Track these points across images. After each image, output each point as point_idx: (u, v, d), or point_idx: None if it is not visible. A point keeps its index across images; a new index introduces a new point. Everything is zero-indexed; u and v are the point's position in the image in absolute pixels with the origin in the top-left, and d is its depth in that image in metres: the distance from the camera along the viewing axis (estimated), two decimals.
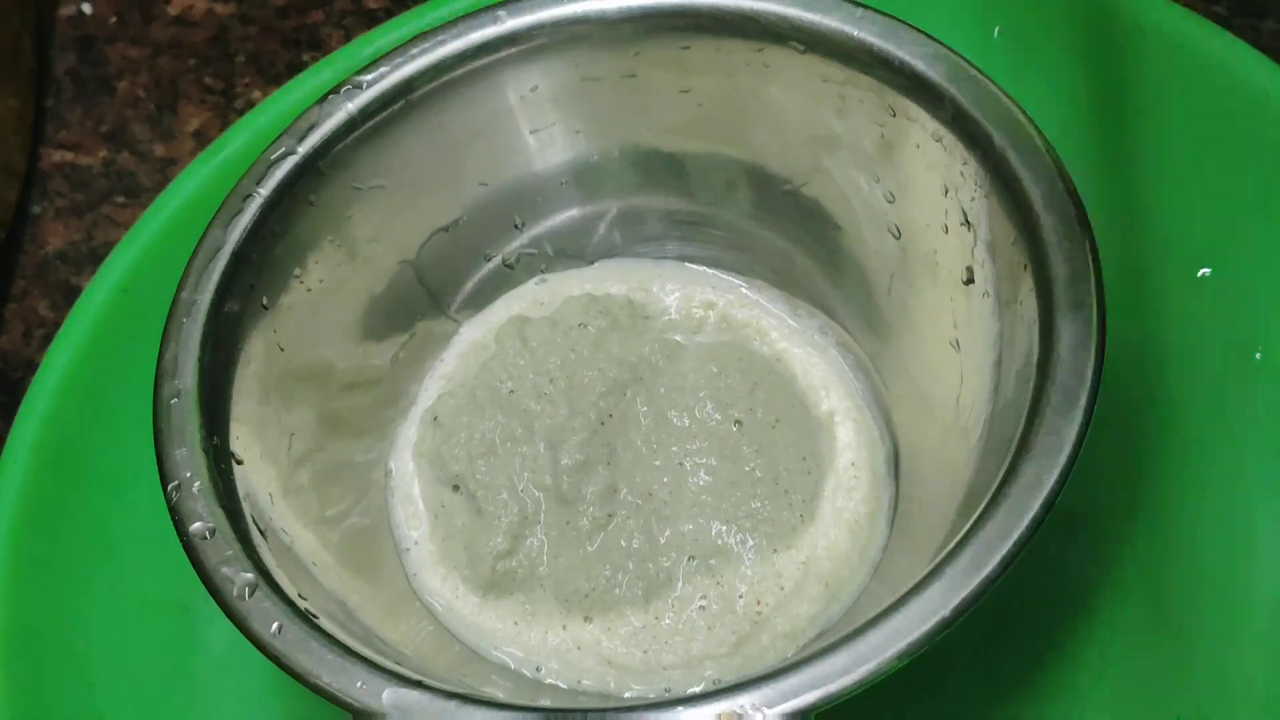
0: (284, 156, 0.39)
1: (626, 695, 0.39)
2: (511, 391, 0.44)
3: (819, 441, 0.43)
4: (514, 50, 0.41)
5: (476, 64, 0.41)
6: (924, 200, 0.40)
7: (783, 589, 0.40)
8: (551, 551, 0.41)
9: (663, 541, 0.41)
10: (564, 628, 0.40)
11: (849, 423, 0.43)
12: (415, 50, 0.40)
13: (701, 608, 0.39)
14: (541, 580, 0.41)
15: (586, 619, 0.40)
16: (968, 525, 0.31)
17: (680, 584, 0.40)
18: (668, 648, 0.39)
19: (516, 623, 0.40)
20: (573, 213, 0.46)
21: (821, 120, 0.41)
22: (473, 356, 0.46)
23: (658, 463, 0.42)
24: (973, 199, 0.37)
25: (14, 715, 0.39)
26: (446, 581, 0.41)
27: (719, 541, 0.40)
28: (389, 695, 0.31)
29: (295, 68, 0.56)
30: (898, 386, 0.43)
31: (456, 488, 0.42)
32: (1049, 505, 0.31)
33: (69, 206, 0.55)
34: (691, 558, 0.40)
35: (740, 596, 0.40)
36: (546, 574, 0.41)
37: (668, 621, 0.39)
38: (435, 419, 0.43)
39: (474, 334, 0.46)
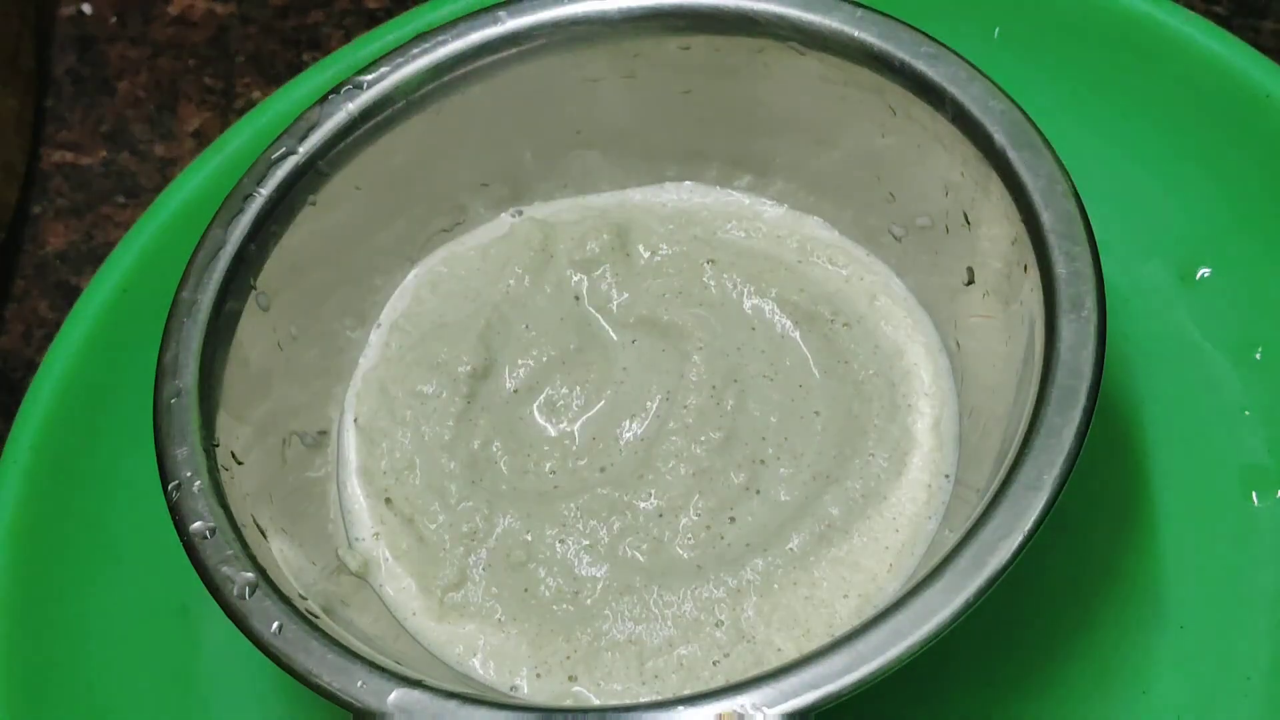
0: (284, 156, 0.39)
1: None
2: (416, 362, 0.41)
3: (900, 439, 0.39)
4: (514, 51, 0.41)
5: (477, 64, 0.41)
6: (924, 200, 0.40)
7: (833, 636, 0.35)
8: (509, 612, 0.38)
9: (672, 611, 0.37)
10: (539, 676, 0.37)
11: (932, 416, 0.40)
12: (415, 50, 0.40)
13: (716, 663, 0.37)
14: (504, 628, 0.38)
15: (570, 678, 0.37)
16: (968, 525, 0.31)
17: (695, 646, 0.37)
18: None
19: (477, 655, 0.38)
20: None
21: (822, 121, 0.41)
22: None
23: (656, 474, 0.40)
24: (973, 199, 0.37)
25: (14, 715, 0.39)
26: (400, 594, 0.39)
27: (760, 615, 0.37)
28: (394, 696, 0.31)
29: (295, 68, 0.56)
30: None
31: (389, 500, 0.40)
32: (1049, 505, 0.31)
33: (69, 206, 0.55)
34: (719, 623, 0.37)
35: (778, 650, 0.36)
36: (510, 626, 0.38)
37: (674, 678, 0.36)
38: (356, 421, 0.42)
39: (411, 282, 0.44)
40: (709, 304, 0.42)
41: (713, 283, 0.42)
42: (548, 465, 0.40)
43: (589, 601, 0.38)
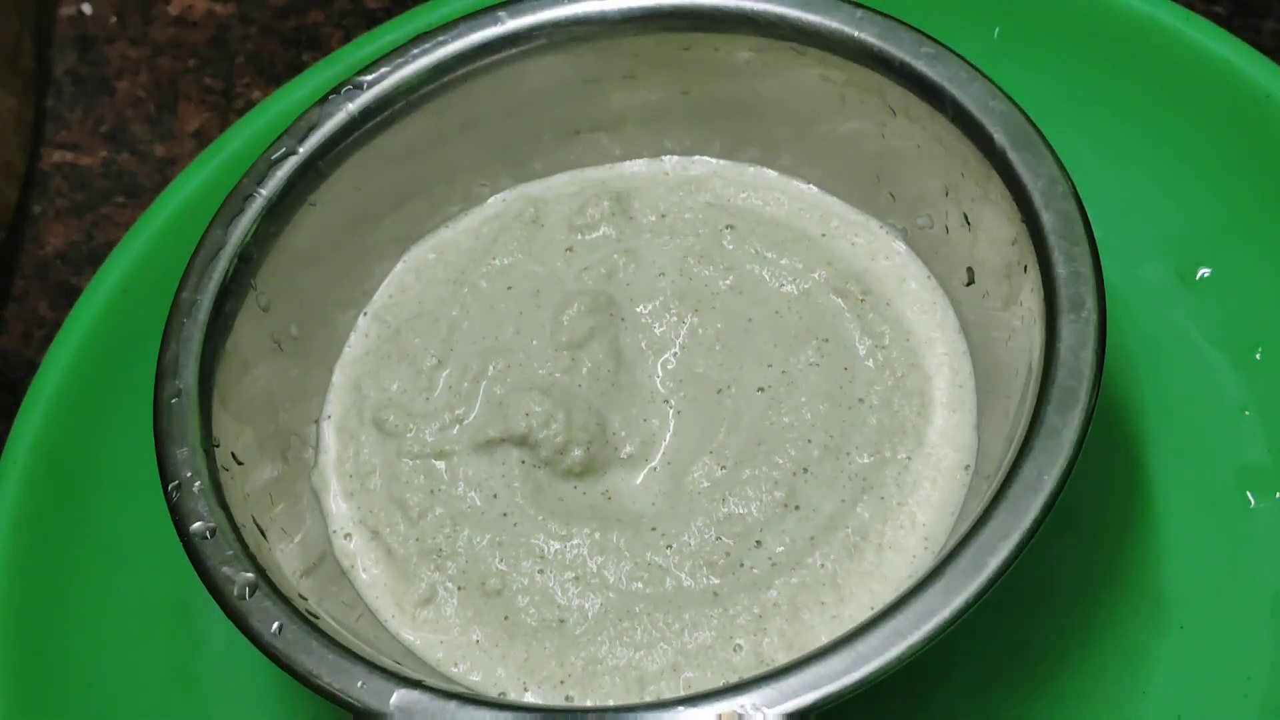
0: (284, 157, 0.39)
1: None
2: (391, 354, 0.40)
3: (912, 436, 0.38)
4: (514, 51, 0.41)
5: (477, 64, 0.41)
6: (924, 201, 0.40)
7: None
8: (489, 637, 0.36)
9: (680, 640, 0.35)
10: (525, 690, 0.36)
11: (952, 406, 0.38)
12: (415, 50, 0.40)
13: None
14: (485, 650, 0.36)
15: (567, 698, 0.35)
16: (968, 525, 0.31)
17: (706, 670, 0.35)
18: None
19: (457, 665, 0.36)
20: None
21: (822, 121, 0.41)
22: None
23: (657, 484, 0.38)
24: (973, 199, 0.37)
25: (14, 715, 0.39)
26: (378, 600, 0.38)
27: (783, 638, 0.35)
28: (394, 697, 0.31)
29: (295, 68, 0.56)
30: None
31: (358, 505, 0.39)
32: (1049, 505, 0.31)
33: (69, 206, 0.55)
34: (738, 647, 0.35)
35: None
36: (492, 650, 0.36)
37: (685, 678, 0.35)
38: (330, 419, 0.41)
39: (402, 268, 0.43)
40: (732, 269, 0.40)
41: (733, 247, 0.41)
42: (517, 486, 0.38)
43: (579, 631, 0.36)
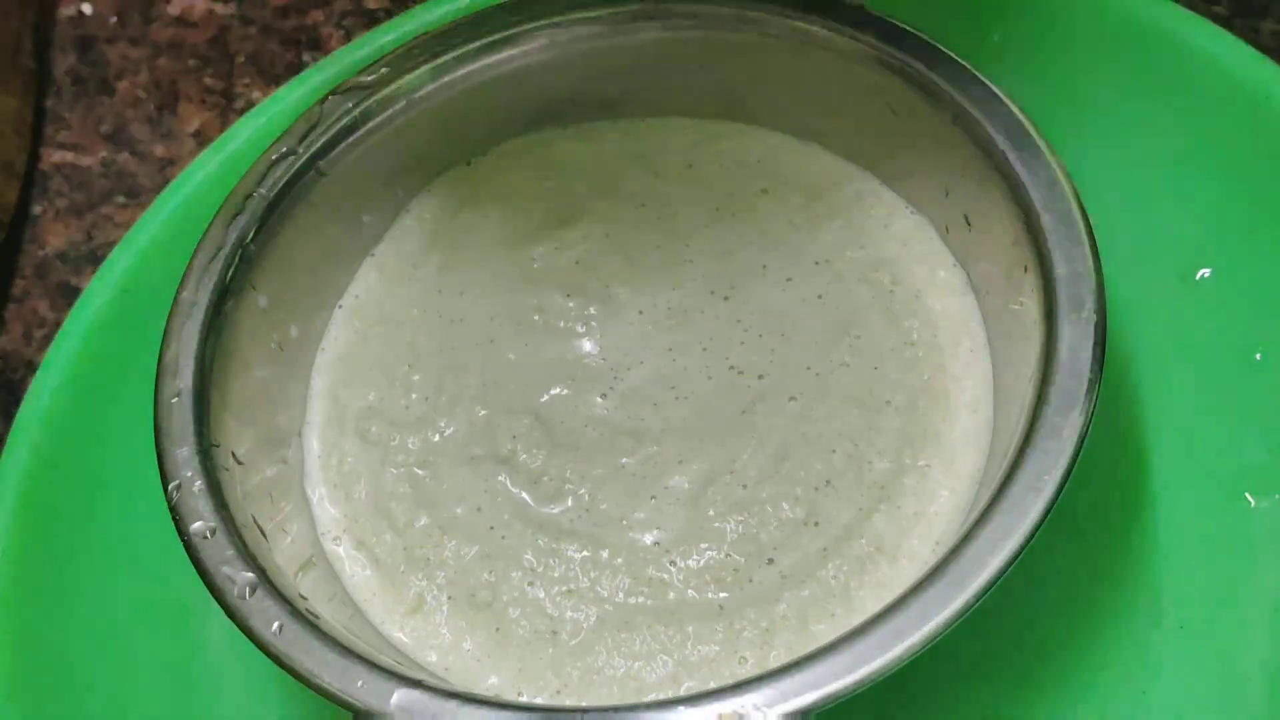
0: (284, 156, 0.39)
1: None
2: (380, 362, 0.39)
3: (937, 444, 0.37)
4: (516, 51, 0.41)
5: (478, 64, 0.41)
6: (925, 202, 0.40)
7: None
8: (481, 648, 0.36)
9: (682, 653, 0.35)
10: (519, 694, 0.35)
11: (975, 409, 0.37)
12: (416, 50, 0.40)
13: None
14: (479, 661, 0.36)
15: (557, 692, 0.35)
16: (969, 525, 0.31)
17: (708, 681, 0.35)
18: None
19: (449, 670, 0.36)
20: None
21: (821, 122, 0.41)
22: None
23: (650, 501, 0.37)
24: (973, 199, 0.37)
25: (14, 715, 0.39)
26: (367, 603, 0.37)
27: (790, 651, 0.34)
28: (395, 696, 0.31)
29: (295, 68, 0.56)
30: None
31: (345, 513, 0.39)
32: (1049, 505, 0.31)
33: (69, 206, 0.55)
34: (743, 659, 0.35)
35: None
36: (485, 661, 0.36)
37: (686, 687, 0.35)
38: (311, 424, 0.41)
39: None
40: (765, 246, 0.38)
41: (767, 210, 0.38)
42: (501, 502, 0.38)
43: (574, 642, 0.35)
